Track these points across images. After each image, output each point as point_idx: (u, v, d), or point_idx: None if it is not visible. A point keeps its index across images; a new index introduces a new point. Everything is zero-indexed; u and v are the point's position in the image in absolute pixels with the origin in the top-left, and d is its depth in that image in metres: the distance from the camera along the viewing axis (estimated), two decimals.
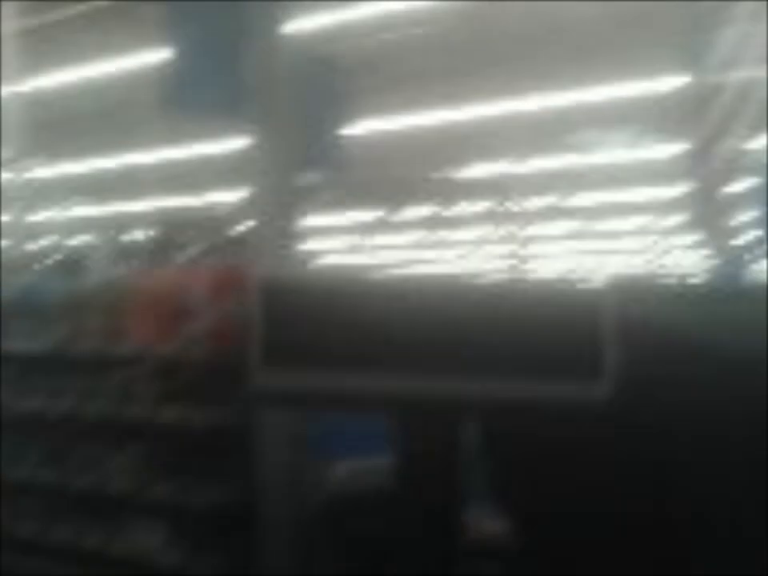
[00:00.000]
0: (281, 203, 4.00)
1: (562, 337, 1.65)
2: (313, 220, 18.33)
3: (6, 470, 4.43)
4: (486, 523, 2.84)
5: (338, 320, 1.66)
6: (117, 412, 4.07)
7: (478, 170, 16.20)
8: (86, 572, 3.82)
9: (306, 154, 4.41)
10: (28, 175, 11.75)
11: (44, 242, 11.50)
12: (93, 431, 4.28)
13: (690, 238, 16.95)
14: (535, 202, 16.92)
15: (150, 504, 3.89)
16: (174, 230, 5.51)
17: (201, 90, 4.43)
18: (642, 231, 18.73)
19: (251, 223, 4.14)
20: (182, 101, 4.70)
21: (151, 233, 5.79)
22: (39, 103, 11.73)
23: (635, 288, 1.92)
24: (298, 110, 4.17)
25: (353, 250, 20.70)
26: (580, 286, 1.71)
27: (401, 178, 16.06)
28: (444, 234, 19.65)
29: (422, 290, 1.67)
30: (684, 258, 19.27)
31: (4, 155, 11.90)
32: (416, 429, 1.75)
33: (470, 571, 2.24)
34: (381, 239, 20.90)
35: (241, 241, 4.31)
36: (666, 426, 1.77)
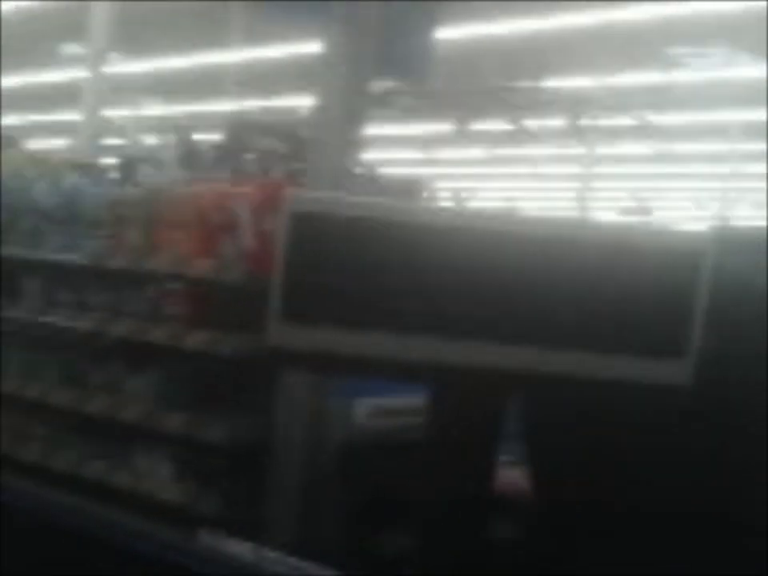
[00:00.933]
0: (350, 110, 3.69)
1: (641, 306, 1.30)
2: (386, 129, 18.05)
3: (20, 389, 4.30)
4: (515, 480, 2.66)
5: (374, 267, 1.35)
6: (141, 332, 3.87)
7: (561, 83, 15.59)
8: (87, 501, 3.68)
9: (384, 59, 4.14)
10: (105, 70, 11.69)
11: (108, 141, 11.47)
12: (114, 352, 4.11)
13: None
14: (616, 120, 16.27)
15: (161, 434, 3.72)
16: (241, 135, 5.29)
17: None
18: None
19: (318, 133, 3.85)
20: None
21: (218, 137, 5.60)
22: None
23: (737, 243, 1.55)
24: (378, 13, 3.85)
25: (422, 162, 20.38)
26: (671, 239, 1.33)
27: (479, 88, 15.57)
28: (515, 152, 19.12)
29: (475, 232, 1.34)
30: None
31: (83, 50, 11.85)
32: (456, 398, 1.50)
33: (490, 522, 2.04)
34: (452, 153, 20.50)
35: (304, 151, 4.04)
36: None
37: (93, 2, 11.37)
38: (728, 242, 1.55)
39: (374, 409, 3.50)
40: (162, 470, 3.72)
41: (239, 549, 3.14)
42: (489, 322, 1.32)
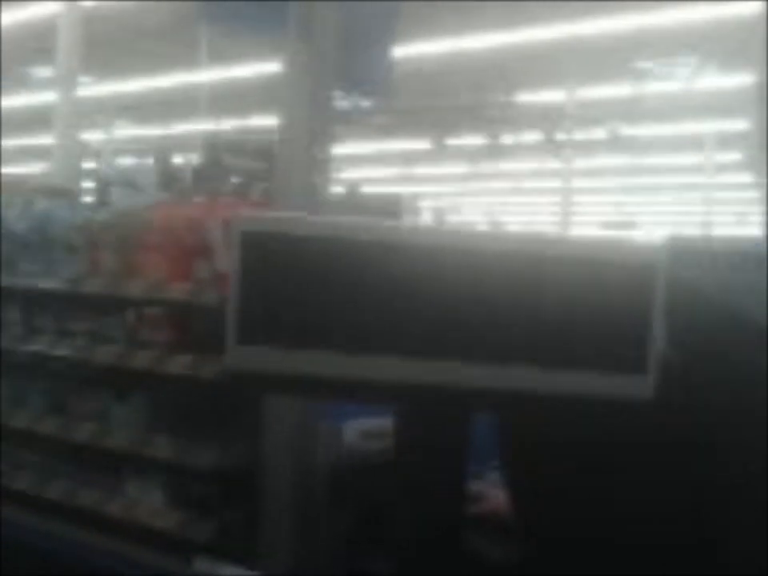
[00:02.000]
0: (313, 128, 3.65)
1: (603, 316, 1.29)
2: (364, 147, 18.05)
3: (7, 418, 4.23)
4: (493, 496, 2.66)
5: (328, 285, 1.31)
6: (123, 359, 3.82)
7: (532, 98, 15.67)
8: (82, 529, 3.62)
9: (348, 77, 4.11)
10: (77, 94, 11.63)
11: (83, 164, 11.40)
12: (98, 378, 4.05)
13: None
14: (589, 133, 16.39)
15: (150, 461, 3.66)
16: (217, 155, 5.25)
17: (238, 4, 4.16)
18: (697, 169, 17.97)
19: (284, 151, 3.81)
20: (217, 15, 4.43)
21: (191, 157, 5.55)
22: (92, 20, 11.50)
23: (690, 252, 1.55)
24: (342, 29, 3.82)
25: (402, 180, 20.42)
26: (628, 250, 1.33)
27: (450, 105, 15.62)
28: (489, 167, 19.19)
29: (430, 248, 1.32)
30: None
31: (54, 73, 11.79)
32: (418, 418, 1.48)
33: (473, 540, 2.04)
34: (431, 169, 20.54)
35: (271, 172, 4.00)
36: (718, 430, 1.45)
37: (60, 24, 11.33)
38: (681, 252, 1.56)
39: (362, 430, 3.46)
40: (153, 497, 3.66)
41: (234, 573, 3.10)
42: (446, 339, 1.30)
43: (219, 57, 12.20)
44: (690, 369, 1.41)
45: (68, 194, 5.42)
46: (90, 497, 3.88)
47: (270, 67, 11.30)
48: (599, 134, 16.21)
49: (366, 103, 5.46)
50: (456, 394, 1.35)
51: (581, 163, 17.87)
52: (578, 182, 18.91)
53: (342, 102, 4.70)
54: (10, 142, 20.76)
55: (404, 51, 12.72)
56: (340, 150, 18.65)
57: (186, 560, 3.25)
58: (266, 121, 14.48)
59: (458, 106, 15.66)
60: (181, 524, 3.50)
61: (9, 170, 16.82)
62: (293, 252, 1.33)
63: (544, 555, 1.82)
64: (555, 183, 18.03)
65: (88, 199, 5.37)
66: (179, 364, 3.63)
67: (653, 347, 1.29)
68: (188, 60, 12.83)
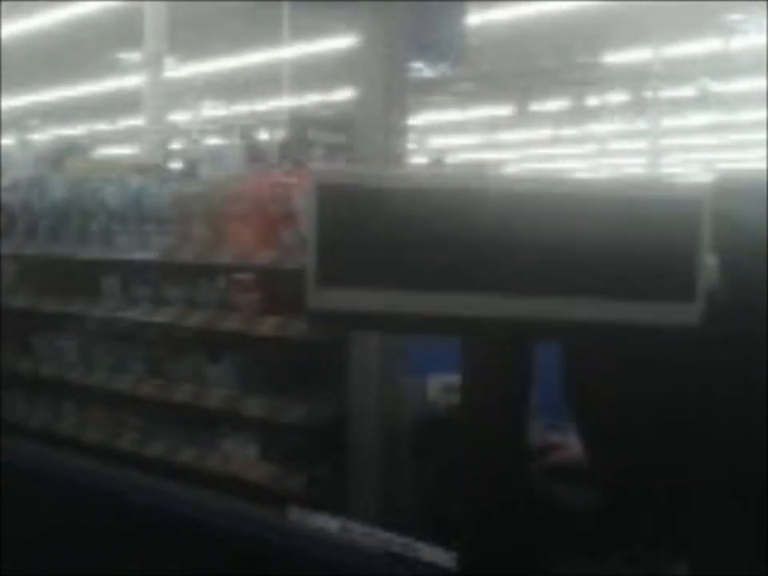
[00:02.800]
0: (392, 98, 3.74)
1: (652, 250, 1.39)
2: (438, 116, 18.00)
3: (110, 382, 4.47)
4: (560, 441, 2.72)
5: (402, 232, 1.42)
6: (215, 322, 3.99)
7: (618, 58, 15.39)
8: (183, 484, 3.81)
9: (421, 43, 4.16)
10: (164, 75, 11.91)
11: (172, 143, 11.69)
12: (192, 341, 4.23)
13: None
14: (677, 91, 16.02)
15: (244, 418, 3.83)
16: (302, 130, 5.39)
17: None
18: None
19: (361, 120, 3.91)
20: None
21: (276, 133, 5.70)
22: (177, 3, 11.75)
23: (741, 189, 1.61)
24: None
25: (477, 147, 20.27)
26: (677, 187, 1.41)
27: (533, 69, 15.46)
28: (574, 130, 18.92)
29: (491, 193, 1.44)
30: None
31: (141, 57, 12.06)
32: (484, 350, 1.57)
33: (549, 488, 2.11)
34: (516, 135, 20.36)
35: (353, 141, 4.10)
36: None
37: (146, 8, 11.60)
38: (728, 187, 1.61)
39: (444, 385, 3.56)
40: (247, 452, 3.84)
41: (326, 523, 3.24)
42: (509, 275, 1.41)
43: (301, 33, 12.34)
44: (737, 302, 1.48)
45: (159, 171, 5.63)
46: (189, 454, 4.09)
47: (350, 41, 11.39)
48: (688, 91, 15.87)
49: (443, 68, 5.52)
50: (522, 325, 1.45)
51: (669, 122, 17.52)
52: (666, 141, 18.54)
53: (420, 69, 4.76)
54: (103, 126, 21.33)
55: (486, 17, 12.67)
56: (424, 118, 18.67)
57: (280, 511, 3.41)
58: (348, 94, 14.61)
59: (542, 69, 15.51)
60: (274, 477, 3.66)
61: (103, 151, 17.32)
62: (367, 201, 1.44)
63: (618, 502, 1.87)
64: (642, 144, 17.73)
65: (178, 176, 5.55)
66: (268, 325, 3.77)
67: (701, 277, 1.38)
68: (271, 38, 13.00)
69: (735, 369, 1.61)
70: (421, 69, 4.79)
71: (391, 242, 1.43)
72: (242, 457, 3.86)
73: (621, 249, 1.41)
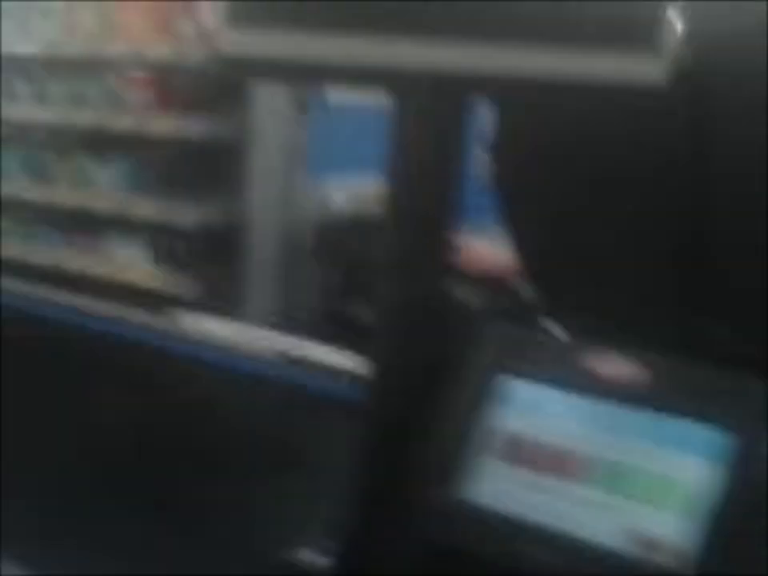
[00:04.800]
0: None
1: None
2: None
3: None
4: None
5: None
6: (105, 122, 3.73)
7: None
8: (71, 293, 3.62)
9: None
10: None
11: None
12: (80, 142, 3.96)
13: None
14: None
15: (134, 222, 3.64)
16: None
17: None
18: None
19: None
20: None
21: None
22: None
23: None
24: None
25: None
26: None
27: None
28: None
29: None
30: None
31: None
32: (412, 113, 1.39)
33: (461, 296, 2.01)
34: None
35: None
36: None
37: None
38: None
39: (350, 193, 3.43)
40: (138, 258, 3.67)
41: (220, 328, 3.13)
42: (440, 14, 1.18)
43: None
44: (700, 61, 1.30)
45: None
46: (77, 261, 3.89)
47: None
48: None
49: None
50: (457, 79, 1.24)
51: None
52: None
53: None
54: None
55: None
56: None
57: (172, 316, 3.28)
58: None
59: None
60: (167, 282, 3.52)
61: None
62: None
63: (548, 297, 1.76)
64: None
65: None
66: (163, 126, 3.54)
67: (667, 32, 1.18)
68: None
69: (696, 134, 1.47)
70: None
71: None
72: (132, 262, 3.69)
73: None
